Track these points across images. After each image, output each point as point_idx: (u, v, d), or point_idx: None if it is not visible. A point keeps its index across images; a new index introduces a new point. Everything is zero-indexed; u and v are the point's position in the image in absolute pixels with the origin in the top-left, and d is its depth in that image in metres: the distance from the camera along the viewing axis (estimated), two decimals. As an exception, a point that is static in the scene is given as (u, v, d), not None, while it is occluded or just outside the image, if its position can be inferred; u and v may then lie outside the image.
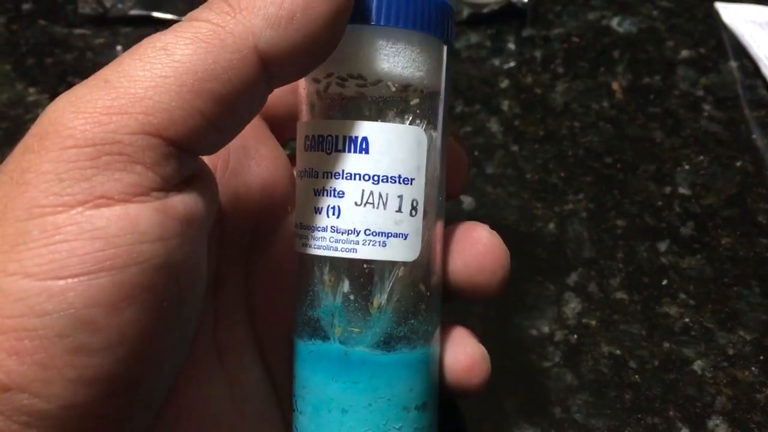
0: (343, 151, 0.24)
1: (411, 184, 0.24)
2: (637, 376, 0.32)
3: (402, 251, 0.24)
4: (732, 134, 0.42)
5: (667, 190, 0.40)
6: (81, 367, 0.19)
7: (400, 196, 0.24)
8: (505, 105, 0.45)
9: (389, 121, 0.24)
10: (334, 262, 0.24)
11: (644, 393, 0.31)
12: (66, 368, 0.19)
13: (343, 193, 0.24)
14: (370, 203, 0.24)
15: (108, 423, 0.20)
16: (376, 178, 0.24)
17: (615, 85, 0.46)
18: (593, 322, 0.34)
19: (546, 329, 0.34)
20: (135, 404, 0.21)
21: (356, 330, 0.24)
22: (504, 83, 0.46)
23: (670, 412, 0.31)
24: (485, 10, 0.50)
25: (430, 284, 0.25)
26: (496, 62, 0.48)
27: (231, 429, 0.25)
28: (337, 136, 0.24)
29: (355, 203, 0.24)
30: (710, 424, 0.30)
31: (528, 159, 0.42)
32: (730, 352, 0.33)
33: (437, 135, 0.25)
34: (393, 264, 0.24)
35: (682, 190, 0.40)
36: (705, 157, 0.41)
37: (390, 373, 0.24)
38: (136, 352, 0.20)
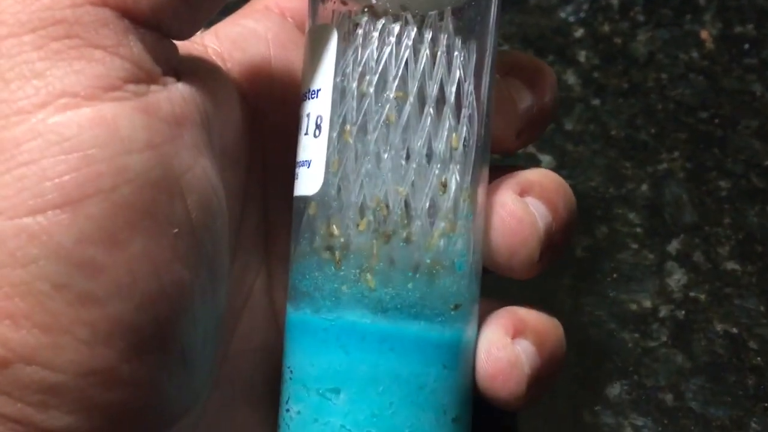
0: None
1: (317, 96, 0.19)
2: (759, 359, 0.28)
3: (304, 183, 0.20)
4: (842, 86, 0.38)
5: (774, 148, 0.35)
6: (92, 322, 0.15)
7: (308, 115, 0.19)
8: (582, 56, 0.41)
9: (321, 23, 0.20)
10: None
11: (769, 378, 0.27)
12: (74, 326, 0.15)
13: None
14: (299, 129, 0.20)
15: (143, 389, 0.16)
16: (300, 98, 0.20)
17: (704, 34, 0.41)
18: (702, 296, 0.30)
19: (648, 304, 0.30)
20: (170, 362, 0.17)
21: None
22: (579, 32, 0.42)
23: (802, 401, 0.26)
24: (554, -46, 0.45)
25: (343, 231, 0.19)
26: (569, 10, 0.43)
27: None
28: None
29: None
30: None
31: (612, 114, 0.37)
32: None
33: (474, 50, 0.20)
34: (305, 201, 0.20)
35: (791, 149, 0.35)
36: (814, 111, 0.37)
37: (286, 333, 0.20)
38: (155, 294, 0.16)
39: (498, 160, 0.35)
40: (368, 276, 0.19)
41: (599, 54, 0.41)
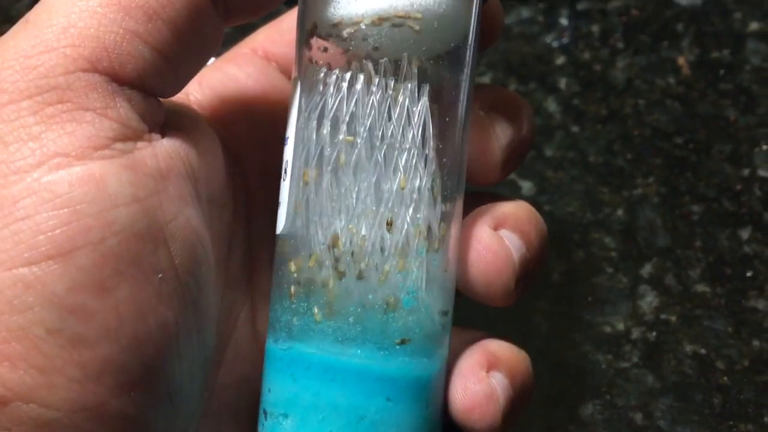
0: None
1: (287, 143, 0.21)
2: (725, 378, 0.29)
3: (277, 222, 0.21)
4: (813, 111, 0.39)
5: (746, 172, 0.36)
6: (83, 363, 0.17)
7: (283, 160, 0.21)
8: (563, 83, 0.42)
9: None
10: None
11: (735, 397, 0.28)
12: (67, 367, 0.17)
13: None
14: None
15: (132, 424, 0.18)
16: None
17: (681, 60, 0.43)
18: (673, 318, 0.31)
19: (621, 326, 0.31)
20: (156, 398, 0.18)
21: None
22: (560, 60, 0.43)
23: (766, 418, 0.28)
24: (537, -17, 0.47)
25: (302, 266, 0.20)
26: (550, 38, 0.45)
27: None
28: None
29: None
30: (811, 431, 0.27)
31: (590, 140, 0.39)
32: (829, 350, 0.29)
33: (455, 100, 0.21)
34: (277, 239, 0.21)
35: (761, 173, 0.36)
36: (785, 136, 0.38)
37: (264, 365, 0.21)
38: (141, 336, 0.17)
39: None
40: (315, 309, 0.20)
41: (579, 81, 0.42)
